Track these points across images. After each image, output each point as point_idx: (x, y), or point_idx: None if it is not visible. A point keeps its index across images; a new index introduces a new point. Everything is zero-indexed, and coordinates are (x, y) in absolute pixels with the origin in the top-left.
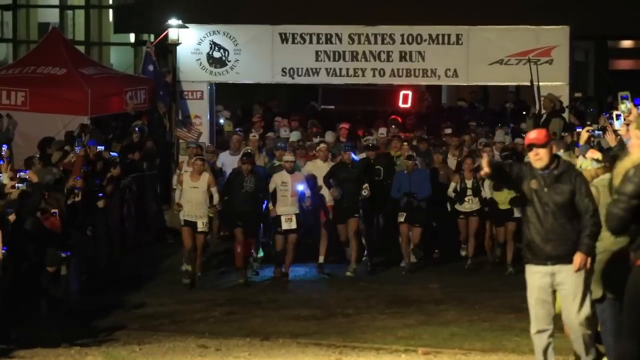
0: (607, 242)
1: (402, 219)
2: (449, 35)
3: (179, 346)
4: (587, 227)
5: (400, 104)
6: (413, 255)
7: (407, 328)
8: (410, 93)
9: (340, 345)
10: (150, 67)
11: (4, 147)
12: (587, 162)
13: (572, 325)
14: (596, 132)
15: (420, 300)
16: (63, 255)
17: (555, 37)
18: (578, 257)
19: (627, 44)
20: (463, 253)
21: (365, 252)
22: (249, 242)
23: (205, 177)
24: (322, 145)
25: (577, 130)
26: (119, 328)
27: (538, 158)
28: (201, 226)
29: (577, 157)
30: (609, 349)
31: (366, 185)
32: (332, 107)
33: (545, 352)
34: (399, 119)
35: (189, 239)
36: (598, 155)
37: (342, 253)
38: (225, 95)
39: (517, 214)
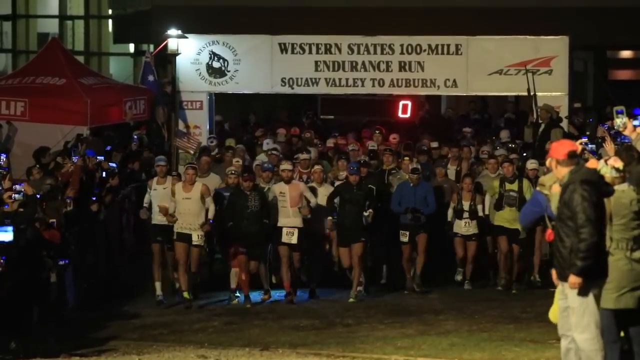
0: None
1: (405, 239)
2: (448, 46)
3: (178, 356)
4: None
5: (400, 114)
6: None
7: (406, 338)
8: (409, 103)
9: (339, 355)
10: (150, 77)
11: (3, 156)
12: (607, 168)
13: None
14: (589, 145)
15: (420, 310)
16: (61, 263)
17: (555, 47)
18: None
19: (626, 54)
20: (458, 278)
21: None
22: (256, 266)
23: (198, 187)
24: (316, 167)
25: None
26: (118, 338)
27: (557, 171)
28: (196, 239)
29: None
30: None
31: (370, 210)
32: (332, 117)
33: (565, 355)
34: (384, 129)
35: (183, 254)
36: (620, 164)
37: (342, 279)
38: (225, 105)
39: (522, 235)
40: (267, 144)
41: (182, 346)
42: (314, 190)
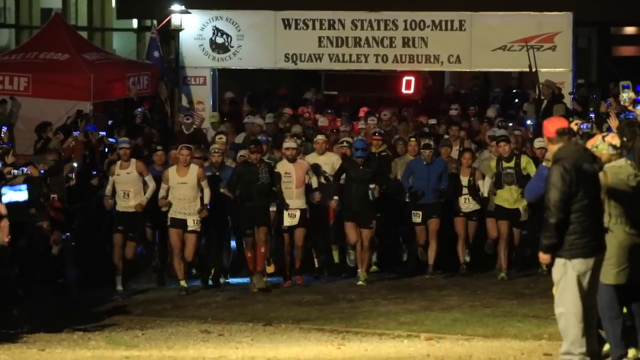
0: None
1: (418, 219)
2: (452, 22)
3: (181, 331)
4: None
5: (403, 90)
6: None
7: (409, 314)
8: (413, 79)
9: (342, 330)
10: (156, 53)
11: (4, 129)
12: (604, 145)
13: None
14: (584, 125)
15: (423, 286)
16: (63, 236)
17: (558, 23)
18: None
19: (630, 30)
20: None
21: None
22: (266, 243)
23: (195, 170)
24: (319, 136)
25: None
26: (121, 313)
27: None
28: (192, 224)
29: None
30: (609, 335)
31: (375, 185)
32: (335, 93)
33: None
34: (375, 111)
35: (177, 241)
36: (617, 141)
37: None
38: (228, 81)
39: (524, 217)
40: (249, 117)
41: (185, 321)
42: (317, 168)
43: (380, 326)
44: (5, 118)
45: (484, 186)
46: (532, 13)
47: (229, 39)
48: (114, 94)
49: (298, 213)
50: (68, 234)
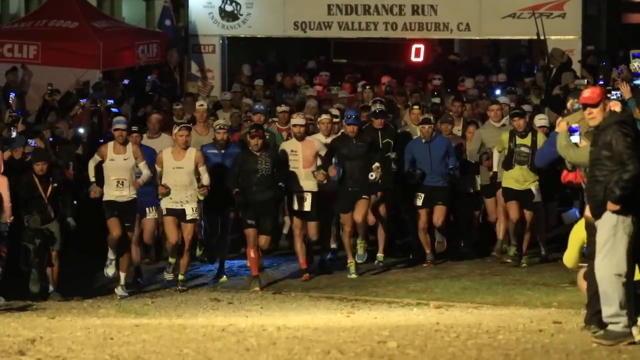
0: None
1: (419, 202)
2: None
3: (191, 299)
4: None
5: (413, 58)
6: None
7: (418, 282)
8: (422, 47)
9: (352, 299)
10: (168, 22)
11: (12, 95)
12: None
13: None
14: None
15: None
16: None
17: None
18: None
19: None
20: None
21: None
22: (267, 242)
23: (192, 153)
24: (324, 116)
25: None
26: (131, 283)
27: (592, 117)
28: (190, 213)
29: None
30: None
31: (377, 164)
32: (344, 60)
33: None
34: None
35: (174, 232)
36: (619, 108)
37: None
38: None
39: (537, 198)
40: (225, 94)
41: (195, 289)
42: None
43: (389, 294)
44: (16, 86)
45: (494, 161)
46: None
47: (238, 6)
48: (123, 62)
49: (309, 197)
50: (75, 202)
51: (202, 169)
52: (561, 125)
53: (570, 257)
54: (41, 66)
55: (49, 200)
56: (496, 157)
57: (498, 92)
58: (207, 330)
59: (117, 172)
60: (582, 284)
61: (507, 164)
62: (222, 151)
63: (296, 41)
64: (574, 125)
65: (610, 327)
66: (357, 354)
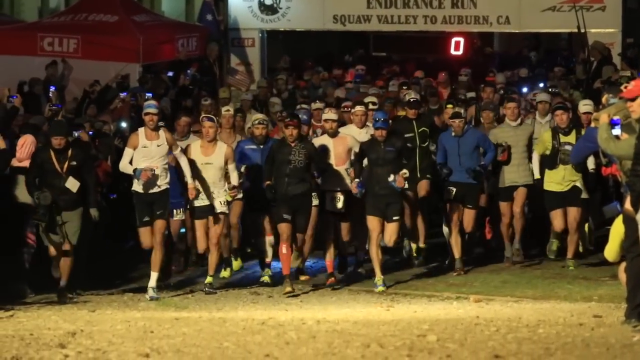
0: None
1: (449, 196)
2: None
3: (231, 293)
4: None
5: (452, 51)
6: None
7: (458, 276)
8: (462, 40)
9: (391, 292)
10: (209, 17)
11: (52, 89)
12: None
13: None
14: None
15: (472, 248)
16: (111, 197)
17: None
18: None
19: None
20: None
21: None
22: (302, 240)
23: (222, 148)
24: (357, 107)
25: None
26: (172, 275)
27: (632, 110)
28: (219, 206)
29: None
30: None
31: (405, 172)
32: (384, 54)
33: None
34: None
35: (204, 238)
36: None
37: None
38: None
39: (583, 194)
40: (246, 94)
41: (235, 283)
42: (353, 134)
43: (429, 288)
44: (56, 80)
45: (534, 166)
46: None
47: (278, 0)
48: (163, 56)
49: (342, 196)
50: (115, 195)
51: (232, 167)
52: (602, 118)
53: (611, 250)
54: (81, 60)
55: (65, 178)
56: (537, 162)
57: (541, 85)
58: (247, 323)
59: (149, 160)
60: (623, 277)
61: (551, 164)
62: (261, 147)
63: (335, 34)
64: (615, 118)
65: None
66: (396, 347)
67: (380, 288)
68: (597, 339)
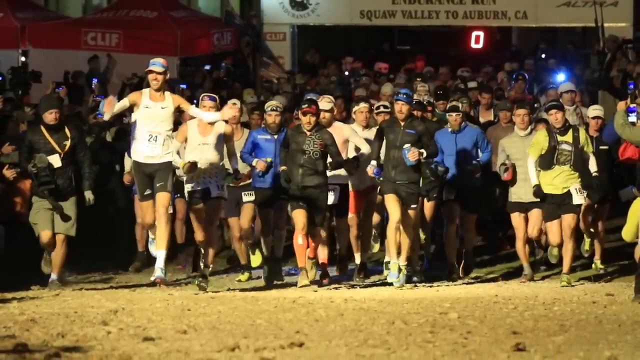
0: None
1: (452, 196)
2: None
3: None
4: None
5: (473, 44)
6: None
7: (477, 256)
8: (482, 34)
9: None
10: (235, 21)
11: (94, 81)
12: None
13: None
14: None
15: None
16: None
17: None
18: None
19: None
20: None
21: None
22: (316, 232)
23: (221, 127)
24: (362, 104)
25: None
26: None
27: None
28: (215, 190)
29: None
30: None
31: (421, 151)
32: (407, 47)
33: None
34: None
35: (200, 218)
36: None
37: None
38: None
39: (578, 199)
40: (252, 97)
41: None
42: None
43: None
44: (99, 73)
45: (531, 173)
46: None
47: None
48: (199, 49)
49: (337, 189)
50: None
51: (230, 146)
52: (620, 105)
53: (628, 231)
54: (122, 53)
55: (65, 161)
56: (533, 167)
57: (562, 76)
58: (279, 302)
59: (151, 122)
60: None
61: (547, 165)
62: (275, 136)
63: (362, 29)
64: (632, 106)
65: None
66: (419, 324)
67: (397, 280)
68: (609, 316)
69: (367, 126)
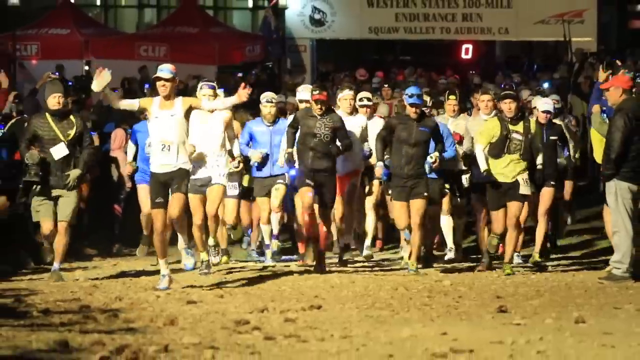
0: None
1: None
2: (500, 1)
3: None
4: None
5: (463, 56)
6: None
7: (470, 238)
8: (470, 46)
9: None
10: (267, 28)
11: (147, 86)
12: None
13: None
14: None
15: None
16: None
17: (585, 2)
18: None
19: None
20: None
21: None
22: (326, 215)
23: (221, 114)
24: (346, 92)
25: None
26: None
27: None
28: (217, 177)
29: None
30: None
31: (435, 154)
32: (408, 57)
33: None
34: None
35: (200, 209)
36: None
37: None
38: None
39: (524, 190)
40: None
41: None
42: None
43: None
44: (149, 80)
45: (480, 159)
46: None
47: (325, 15)
48: (234, 60)
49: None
50: None
51: (231, 134)
52: (595, 108)
53: (597, 153)
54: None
55: (70, 150)
56: (482, 153)
57: (546, 85)
58: (300, 272)
59: (162, 131)
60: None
61: (497, 153)
62: (270, 127)
63: (370, 42)
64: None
65: (614, 271)
66: (419, 290)
67: (412, 271)
68: (577, 283)
69: (351, 113)
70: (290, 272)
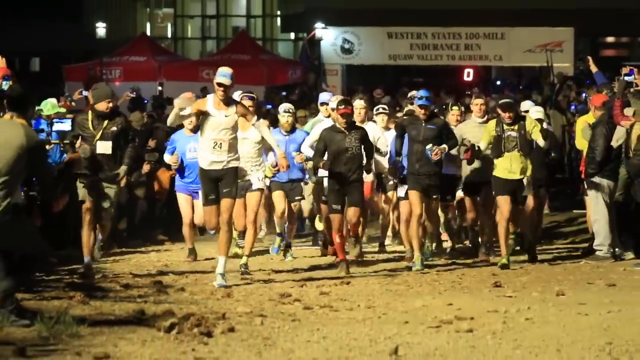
0: None
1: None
2: (496, 33)
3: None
4: None
5: (465, 78)
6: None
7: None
8: (471, 70)
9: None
10: (306, 55)
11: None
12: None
13: None
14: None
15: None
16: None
17: (564, 34)
18: None
19: (610, 39)
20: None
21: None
22: (357, 214)
23: (259, 123)
24: (357, 102)
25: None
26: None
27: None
28: (257, 182)
29: None
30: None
31: (444, 146)
32: (421, 79)
33: None
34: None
35: (243, 216)
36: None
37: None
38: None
39: (527, 191)
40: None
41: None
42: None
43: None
44: None
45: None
46: (548, 28)
47: (353, 45)
48: (279, 81)
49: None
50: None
51: (272, 140)
52: (581, 119)
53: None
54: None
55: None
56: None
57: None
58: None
59: (215, 130)
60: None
61: (497, 153)
62: (287, 136)
63: (390, 67)
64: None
65: (597, 252)
66: (429, 269)
67: (418, 267)
68: (558, 263)
69: (362, 122)
70: (325, 255)
